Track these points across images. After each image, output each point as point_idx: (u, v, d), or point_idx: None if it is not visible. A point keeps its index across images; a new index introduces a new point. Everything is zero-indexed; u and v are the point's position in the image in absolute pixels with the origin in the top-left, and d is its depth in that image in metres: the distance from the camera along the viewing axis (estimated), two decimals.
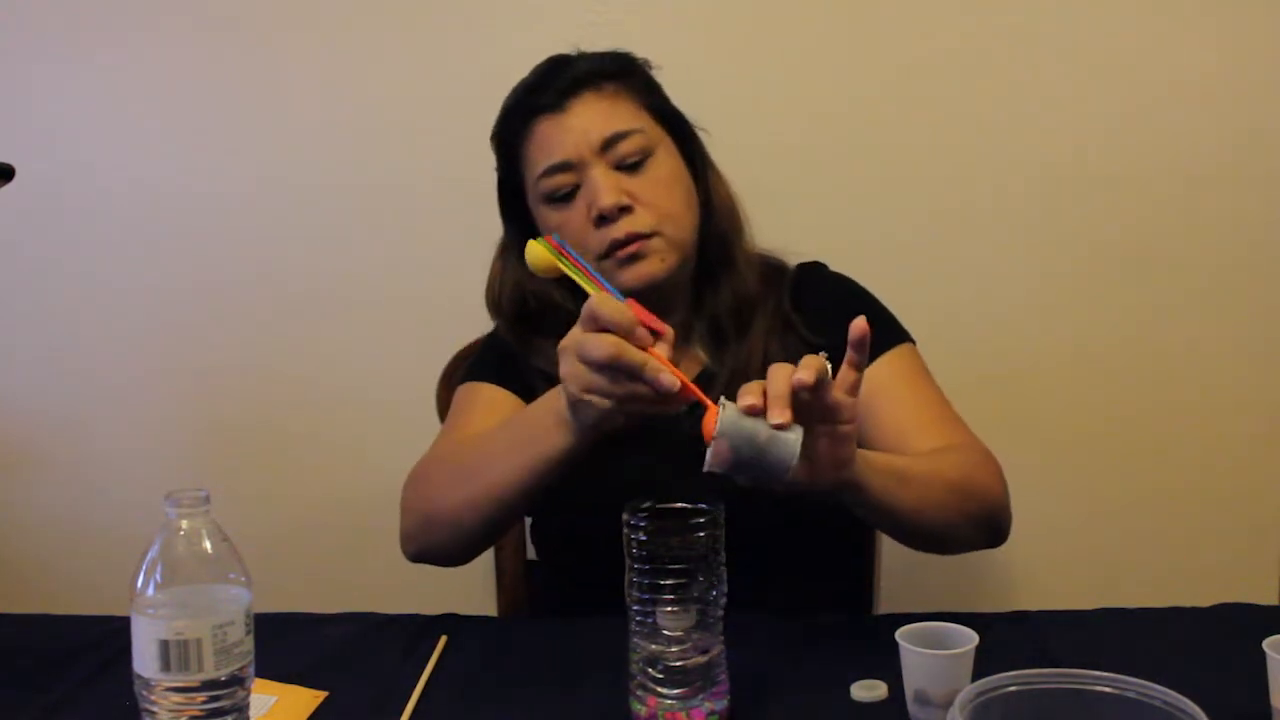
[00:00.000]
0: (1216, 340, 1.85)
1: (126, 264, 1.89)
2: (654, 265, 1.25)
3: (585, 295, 1.01)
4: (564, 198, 1.26)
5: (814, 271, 1.40)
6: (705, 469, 0.92)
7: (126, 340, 1.91)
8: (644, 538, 0.92)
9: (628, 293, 1.24)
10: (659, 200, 1.25)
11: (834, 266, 1.42)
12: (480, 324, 1.43)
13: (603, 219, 1.23)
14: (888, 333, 1.32)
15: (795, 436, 0.91)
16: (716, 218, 1.32)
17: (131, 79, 1.86)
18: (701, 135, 1.35)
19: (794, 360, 1.18)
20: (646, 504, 0.94)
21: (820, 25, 1.81)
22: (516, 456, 1.11)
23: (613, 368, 0.96)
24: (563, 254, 1.05)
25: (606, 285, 1.03)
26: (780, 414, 0.90)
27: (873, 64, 1.81)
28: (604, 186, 1.23)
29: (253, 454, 1.91)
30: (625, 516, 0.94)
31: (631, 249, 1.23)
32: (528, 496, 1.13)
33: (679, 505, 0.94)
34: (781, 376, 0.92)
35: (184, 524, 0.83)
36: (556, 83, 1.27)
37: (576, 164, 1.25)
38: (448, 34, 1.83)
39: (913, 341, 1.34)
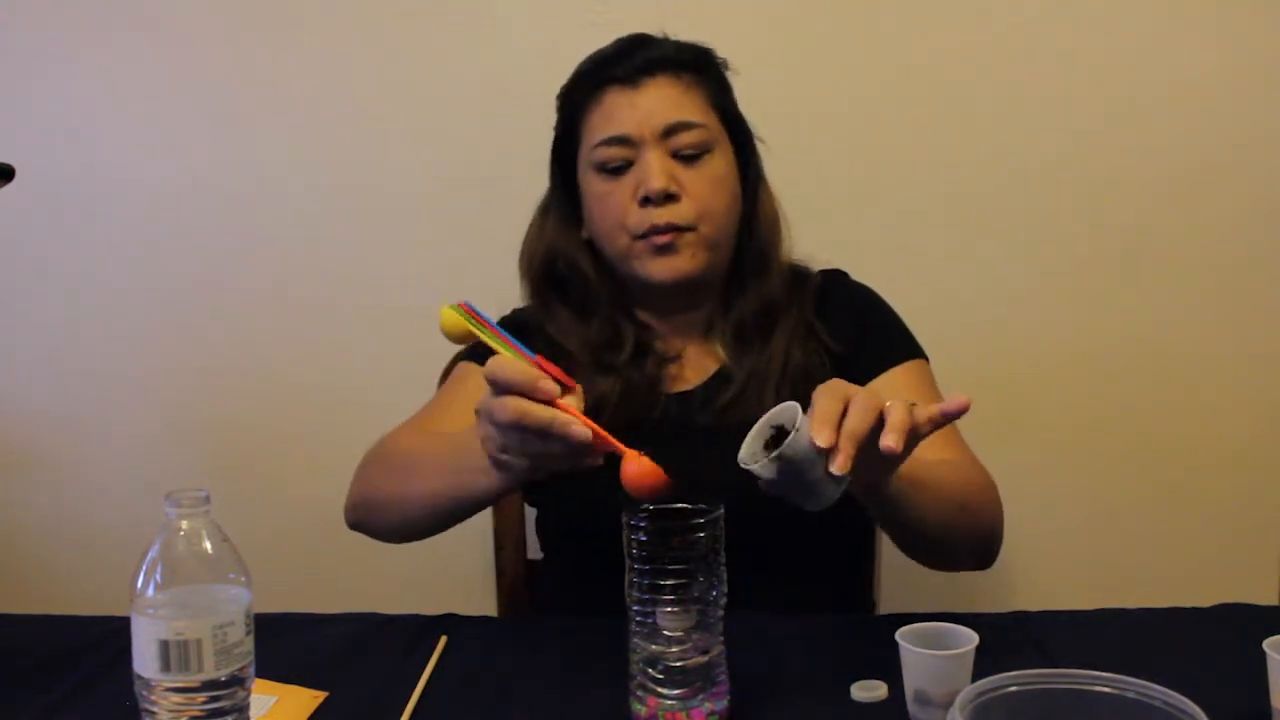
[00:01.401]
0: (1216, 340, 1.85)
1: (126, 264, 1.89)
2: (684, 261, 1.26)
3: (580, 301, 1.00)
4: (615, 170, 1.28)
5: (837, 280, 1.41)
6: (741, 465, 0.91)
7: (126, 340, 1.91)
8: (644, 538, 0.92)
9: (655, 284, 1.28)
10: (705, 197, 1.27)
11: (833, 266, 1.42)
12: None
13: (648, 200, 1.25)
14: (902, 346, 1.34)
15: (841, 486, 0.91)
16: (759, 229, 1.34)
17: (132, 79, 1.86)
18: (758, 146, 1.36)
19: (812, 365, 1.21)
20: (646, 504, 0.94)
21: (820, 27, 1.81)
22: (443, 482, 1.12)
23: (519, 428, 0.92)
24: (473, 317, 1.01)
25: (517, 344, 0.98)
26: (843, 466, 0.88)
27: (873, 64, 1.81)
28: (657, 170, 1.24)
29: (253, 454, 1.91)
30: (625, 517, 0.94)
31: (667, 238, 1.25)
32: (447, 519, 1.17)
33: (679, 505, 0.94)
34: (861, 429, 0.89)
35: (184, 524, 0.83)
36: (635, 58, 1.28)
37: (636, 141, 1.26)
38: (448, 35, 1.83)
39: (926, 358, 1.36)
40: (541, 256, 1.36)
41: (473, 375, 1.35)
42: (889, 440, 0.89)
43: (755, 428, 0.94)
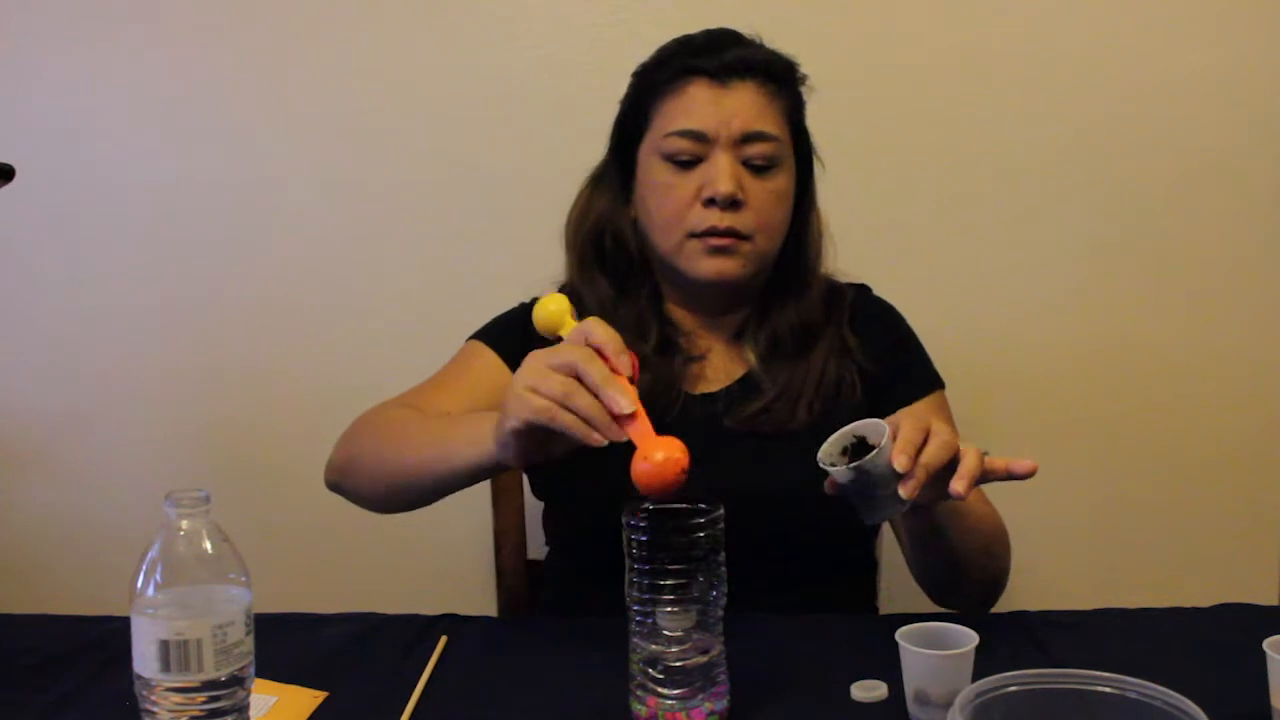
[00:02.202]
0: (1217, 340, 1.85)
1: (126, 264, 1.89)
2: (735, 265, 1.27)
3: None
4: (682, 163, 1.26)
5: (864, 296, 1.42)
6: (819, 464, 1.01)
7: (126, 340, 1.91)
8: (644, 538, 0.92)
9: (698, 283, 1.29)
10: (765, 210, 1.27)
11: (835, 267, 1.43)
12: (479, 326, 1.43)
13: (712, 202, 1.24)
14: (927, 377, 1.37)
15: (902, 508, 1.00)
16: (805, 247, 1.35)
17: (132, 79, 1.86)
18: (816, 166, 1.37)
19: (844, 380, 1.29)
20: (646, 504, 0.94)
21: (820, 27, 1.81)
22: (430, 450, 1.14)
23: (577, 373, 0.95)
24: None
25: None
26: (911, 493, 0.98)
27: (874, 64, 1.81)
28: (727, 174, 1.24)
29: (253, 454, 1.91)
30: (625, 517, 0.94)
31: (724, 242, 1.25)
32: (429, 492, 1.17)
33: (679, 505, 0.94)
34: (937, 463, 0.99)
35: (184, 524, 0.83)
36: (726, 55, 1.27)
37: (711, 139, 1.25)
38: (450, 36, 1.83)
39: (944, 385, 1.38)
40: (591, 226, 1.35)
41: (481, 355, 1.34)
42: (959, 486, 0.99)
43: (838, 434, 1.04)
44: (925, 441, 1.01)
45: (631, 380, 0.97)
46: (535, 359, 0.99)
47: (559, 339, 1.04)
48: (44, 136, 1.87)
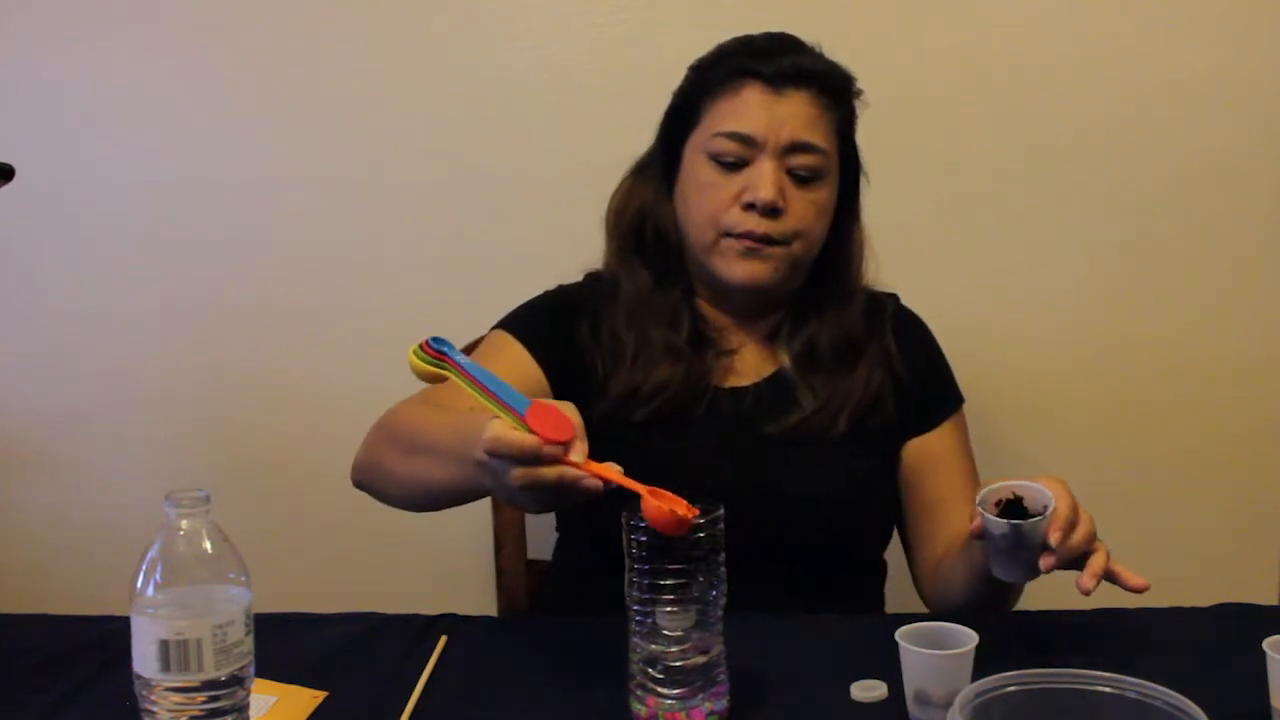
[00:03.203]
0: (1216, 340, 1.85)
1: (126, 264, 1.89)
2: (767, 270, 1.27)
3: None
4: (727, 164, 1.27)
5: (899, 308, 1.43)
6: (979, 506, 1.07)
7: (126, 340, 1.90)
8: (644, 538, 0.92)
9: (728, 284, 1.28)
10: (806, 220, 1.27)
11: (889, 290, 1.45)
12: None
13: (752, 206, 1.24)
14: (950, 395, 1.39)
15: (1031, 578, 1.09)
16: (846, 261, 1.35)
17: (132, 79, 1.85)
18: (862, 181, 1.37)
19: (883, 392, 1.31)
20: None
21: (820, 28, 1.80)
22: (447, 473, 1.10)
23: (532, 488, 0.93)
24: (442, 359, 0.97)
25: (490, 388, 0.95)
26: (1048, 567, 1.06)
27: (873, 64, 1.81)
28: (771, 180, 1.24)
29: (253, 454, 1.91)
30: (625, 517, 0.94)
31: (758, 246, 1.25)
32: (448, 504, 1.17)
33: None
34: (1079, 549, 1.06)
35: (184, 524, 0.83)
36: (784, 61, 1.27)
37: (759, 144, 1.25)
38: (451, 37, 1.83)
39: (964, 401, 1.40)
40: (634, 214, 1.35)
41: (508, 345, 1.33)
42: (1089, 583, 1.04)
43: (1001, 485, 1.09)
44: (1074, 523, 1.05)
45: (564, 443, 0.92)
46: (488, 476, 0.97)
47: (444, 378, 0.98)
48: (44, 136, 1.87)
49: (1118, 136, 1.81)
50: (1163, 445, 1.87)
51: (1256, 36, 1.79)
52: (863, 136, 1.81)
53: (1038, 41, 1.80)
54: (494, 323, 1.40)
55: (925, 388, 1.35)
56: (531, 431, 0.91)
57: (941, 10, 1.80)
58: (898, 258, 1.79)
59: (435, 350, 0.97)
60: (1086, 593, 1.04)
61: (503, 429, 0.92)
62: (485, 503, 1.56)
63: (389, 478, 1.21)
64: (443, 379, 0.97)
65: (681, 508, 0.90)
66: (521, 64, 1.82)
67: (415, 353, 0.97)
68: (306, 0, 1.83)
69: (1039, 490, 1.06)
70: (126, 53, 1.85)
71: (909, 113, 1.81)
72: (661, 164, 1.34)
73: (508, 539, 1.57)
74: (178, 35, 1.84)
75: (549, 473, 0.91)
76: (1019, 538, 1.05)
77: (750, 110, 1.26)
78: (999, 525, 1.05)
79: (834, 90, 1.30)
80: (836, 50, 1.79)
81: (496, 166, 1.83)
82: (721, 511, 0.94)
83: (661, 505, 0.90)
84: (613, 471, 0.93)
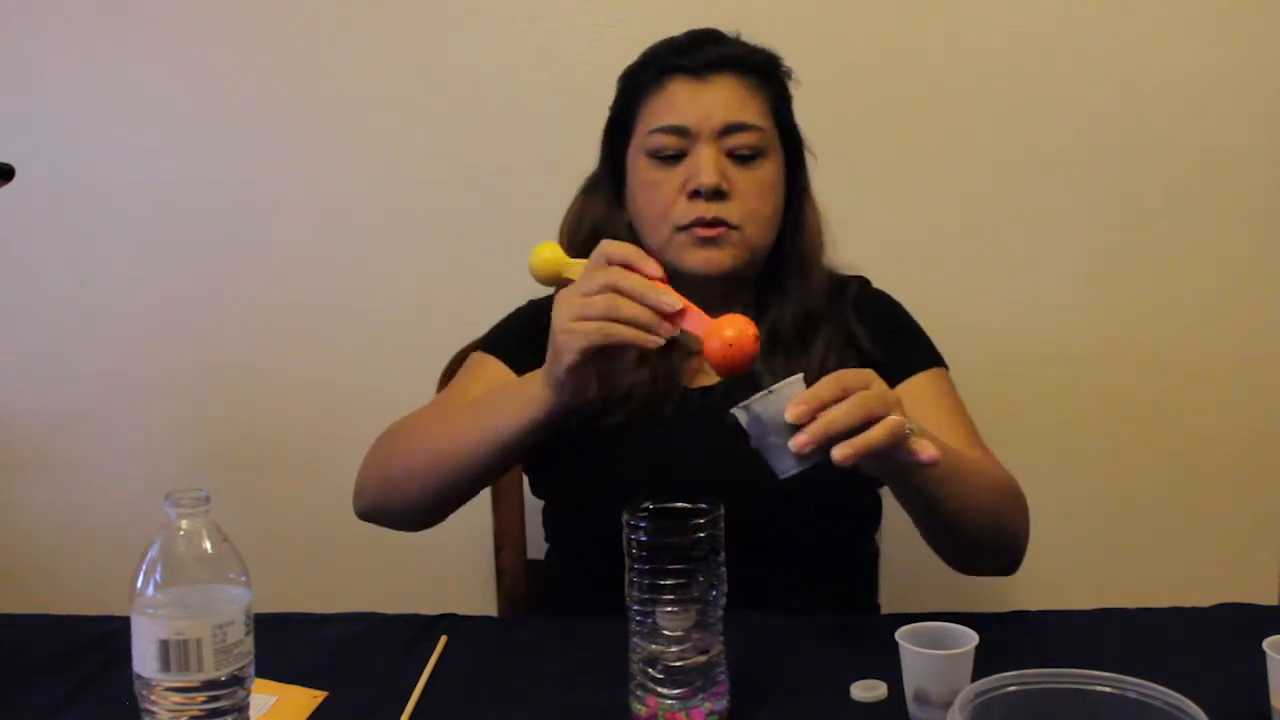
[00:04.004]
0: (1216, 339, 1.85)
1: (126, 264, 1.89)
2: (725, 256, 1.27)
3: None
4: (666, 159, 1.27)
5: (866, 289, 1.42)
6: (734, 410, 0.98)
7: (126, 340, 1.91)
8: (644, 538, 0.92)
9: (693, 275, 1.27)
10: (752, 199, 1.27)
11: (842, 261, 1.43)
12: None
13: (697, 194, 1.25)
14: (925, 354, 1.36)
15: (805, 464, 0.95)
16: (801, 239, 1.34)
17: (132, 79, 1.86)
18: (807, 158, 1.37)
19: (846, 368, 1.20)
20: (646, 504, 0.94)
21: (820, 28, 1.81)
22: (478, 426, 1.16)
23: (616, 289, 1.00)
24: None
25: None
26: (799, 446, 0.94)
27: (872, 64, 1.81)
28: (710, 165, 1.24)
29: (253, 454, 1.91)
30: (625, 516, 0.94)
31: (712, 233, 1.25)
32: (484, 467, 1.18)
33: (679, 505, 0.94)
34: (839, 424, 0.93)
35: (184, 524, 0.83)
36: (706, 52, 1.29)
37: (693, 133, 1.26)
38: (452, 37, 1.83)
39: (946, 366, 1.37)
40: (587, 231, 1.35)
41: (489, 365, 1.34)
42: (837, 452, 0.93)
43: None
44: (831, 399, 0.94)
45: (664, 280, 1.02)
46: (567, 294, 1.04)
47: (565, 283, 1.07)
48: (44, 136, 1.87)
49: (1117, 136, 1.81)
50: (1163, 445, 1.87)
51: (1256, 36, 1.79)
52: (863, 136, 1.82)
53: (1038, 41, 1.80)
54: (492, 323, 1.41)
55: (892, 354, 1.32)
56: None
57: (942, 10, 1.80)
58: (898, 257, 1.80)
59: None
60: (837, 461, 0.92)
61: (617, 241, 1.05)
62: (485, 503, 1.56)
63: (409, 477, 1.22)
64: (562, 278, 1.08)
65: (740, 322, 0.98)
66: (522, 64, 1.82)
67: (550, 245, 1.11)
68: (306, 1, 1.83)
69: (795, 378, 0.97)
70: (126, 53, 1.85)
71: (908, 113, 1.82)
72: (608, 179, 1.35)
73: (508, 539, 1.57)
74: (178, 35, 1.84)
75: (639, 278, 1.01)
76: (759, 423, 0.95)
77: (679, 101, 1.27)
78: (739, 414, 0.96)
79: (760, 70, 1.31)
80: (837, 50, 1.81)
81: (497, 166, 1.83)
82: (722, 511, 0.94)
83: (724, 337, 0.98)
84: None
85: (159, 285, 1.89)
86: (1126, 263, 1.84)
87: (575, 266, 1.08)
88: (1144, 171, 1.82)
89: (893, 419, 0.94)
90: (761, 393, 0.95)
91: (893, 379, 1.27)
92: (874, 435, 0.93)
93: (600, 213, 1.35)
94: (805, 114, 1.81)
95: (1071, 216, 1.83)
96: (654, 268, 1.03)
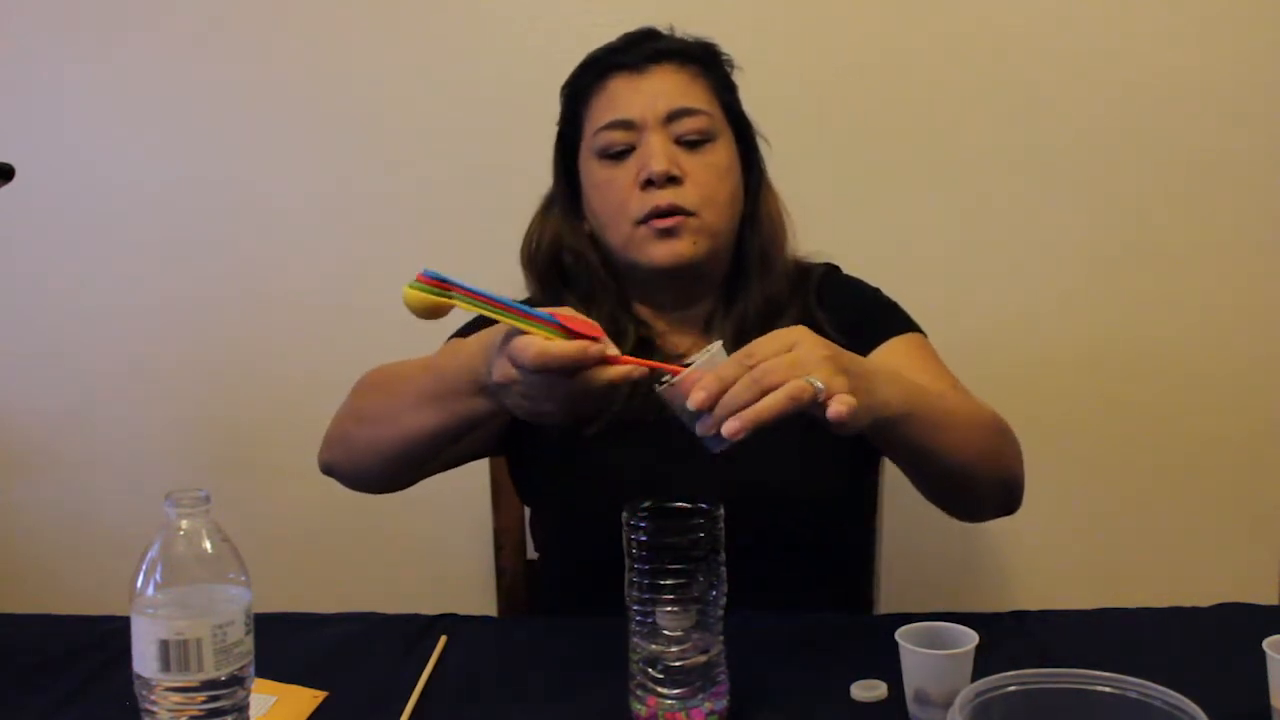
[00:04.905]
0: (1216, 339, 1.85)
1: (126, 264, 1.89)
2: (686, 245, 1.25)
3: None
4: (617, 155, 1.27)
5: (832, 274, 1.41)
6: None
7: (127, 340, 1.91)
8: (644, 538, 0.92)
9: (655, 270, 1.26)
10: (707, 183, 1.26)
11: (828, 260, 1.42)
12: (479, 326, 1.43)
13: (650, 183, 1.24)
14: (899, 322, 1.34)
15: (723, 446, 0.90)
16: (761, 228, 1.33)
17: (132, 79, 1.86)
18: (761, 145, 1.35)
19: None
20: (646, 504, 0.94)
21: (819, 28, 1.81)
22: (431, 411, 1.12)
23: (544, 371, 0.92)
24: (441, 287, 0.94)
25: (505, 301, 0.94)
26: (706, 430, 0.90)
27: (872, 64, 1.81)
28: (659, 152, 1.24)
29: (253, 454, 1.91)
30: (625, 516, 0.94)
31: (670, 222, 1.24)
32: (437, 449, 1.16)
33: (679, 505, 0.94)
34: (739, 401, 0.89)
35: (184, 524, 0.83)
36: (642, 48, 1.29)
37: (639, 125, 1.26)
38: (449, 37, 1.83)
39: (924, 334, 1.35)
40: (547, 248, 1.35)
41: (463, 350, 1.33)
42: (727, 428, 0.88)
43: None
44: (732, 379, 0.91)
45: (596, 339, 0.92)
46: (496, 372, 0.99)
47: (447, 310, 0.98)
48: (44, 136, 1.87)
49: (1117, 136, 1.81)
50: (1163, 445, 1.87)
51: (1256, 36, 1.79)
52: (863, 137, 1.82)
53: (1037, 41, 1.80)
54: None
55: (862, 329, 1.30)
56: (573, 335, 0.90)
57: (942, 11, 1.80)
58: (898, 257, 1.80)
59: (434, 279, 0.93)
60: (727, 435, 0.88)
61: (540, 343, 0.91)
62: (485, 503, 1.56)
63: (363, 447, 1.21)
64: (445, 310, 0.94)
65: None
66: (521, 64, 1.82)
67: (412, 287, 0.94)
68: (306, 2, 1.83)
69: (717, 352, 0.94)
70: (126, 53, 1.85)
71: (908, 113, 1.82)
72: (564, 194, 1.35)
73: (508, 539, 1.57)
74: (178, 35, 1.85)
75: (614, 372, 0.92)
76: (671, 407, 0.92)
77: (621, 96, 1.27)
78: (660, 393, 0.92)
79: (699, 59, 1.30)
80: (837, 50, 1.81)
81: (497, 166, 1.84)
82: (721, 511, 0.94)
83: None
84: (639, 361, 0.93)
85: (159, 285, 1.90)
86: (1126, 263, 1.84)
87: (442, 304, 0.97)
88: (1144, 171, 1.82)
89: (791, 384, 0.89)
90: (663, 385, 0.92)
91: (867, 347, 1.27)
92: (764, 405, 0.89)
93: (559, 228, 1.34)
94: (805, 114, 1.82)
95: (1071, 216, 1.83)
96: (597, 352, 0.92)
